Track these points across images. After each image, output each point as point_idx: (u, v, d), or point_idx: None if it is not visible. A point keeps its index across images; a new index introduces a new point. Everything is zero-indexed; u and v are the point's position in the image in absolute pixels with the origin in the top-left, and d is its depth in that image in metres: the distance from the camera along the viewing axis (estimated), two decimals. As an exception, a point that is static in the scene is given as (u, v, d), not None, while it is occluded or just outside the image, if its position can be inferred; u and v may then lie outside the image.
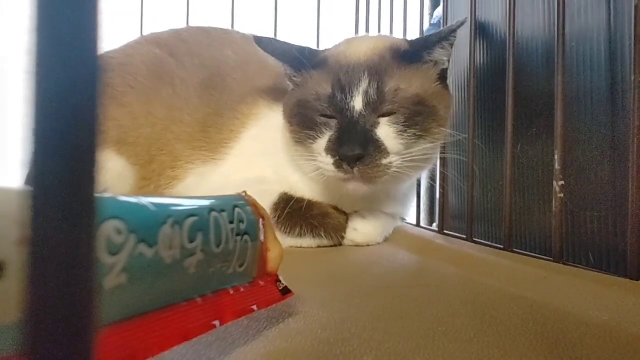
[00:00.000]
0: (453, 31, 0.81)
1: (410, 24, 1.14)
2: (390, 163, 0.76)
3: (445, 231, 0.91)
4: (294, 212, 0.84)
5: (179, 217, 0.31)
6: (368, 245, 0.86)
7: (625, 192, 0.57)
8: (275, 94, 0.94)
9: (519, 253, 0.69)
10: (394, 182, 0.82)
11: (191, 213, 0.32)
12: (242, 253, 0.37)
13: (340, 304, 0.48)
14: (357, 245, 0.86)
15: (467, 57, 0.85)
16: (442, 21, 0.99)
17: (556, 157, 0.62)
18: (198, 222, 0.33)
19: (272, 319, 0.42)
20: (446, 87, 0.85)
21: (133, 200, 0.29)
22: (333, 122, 0.79)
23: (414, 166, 0.79)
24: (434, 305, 0.48)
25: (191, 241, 0.32)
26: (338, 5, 1.44)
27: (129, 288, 0.26)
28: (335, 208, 0.88)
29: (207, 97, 0.97)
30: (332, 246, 0.85)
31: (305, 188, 0.87)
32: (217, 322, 0.34)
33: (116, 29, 1.32)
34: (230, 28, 1.28)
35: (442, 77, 0.84)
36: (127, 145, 0.96)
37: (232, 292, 0.37)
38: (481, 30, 0.89)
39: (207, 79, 0.99)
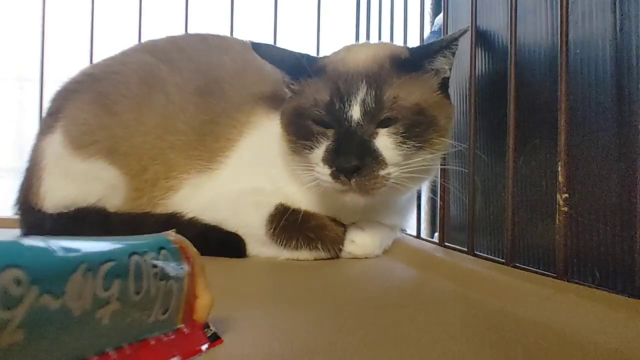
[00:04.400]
0: (455, 39, 0.79)
1: (411, 31, 1.12)
2: (389, 174, 0.74)
3: (446, 243, 0.88)
4: (290, 223, 0.82)
5: (93, 263, 0.28)
6: (366, 258, 0.84)
7: (632, 205, 0.54)
8: (273, 101, 0.93)
9: (521, 268, 0.66)
10: (392, 193, 0.80)
11: (108, 258, 0.30)
12: (165, 299, 0.34)
13: (331, 324, 0.46)
14: (355, 258, 0.84)
15: (467, 65, 0.83)
16: (442, 29, 0.97)
17: (559, 169, 0.60)
18: (115, 267, 0.30)
19: (253, 341, 0.40)
20: (447, 96, 0.83)
21: (40, 244, 0.26)
22: (330, 132, 0.77)
23: (413, 177, 0.76)
24: (430, 327, 0.46)
25: (106, 289, 0.29)
26: (338, 12, 1.43)
27: (26, 346, 0.24)
28: (333, 219, 0.86)
29: (204, 104, 0.95)
30: (329, 259, 0.83)
31: (302, 199, 0.85)
32: None
33: (115, 37, 1.31)
34: (229, 35, 1.27)
35: (443, 86, 0.82)
36: (120, 155, 0.94)
37: (152, 342, 0.34)
38: (482, 39, 0.87)
39: (203, 85, 0.97)
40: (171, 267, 0.35)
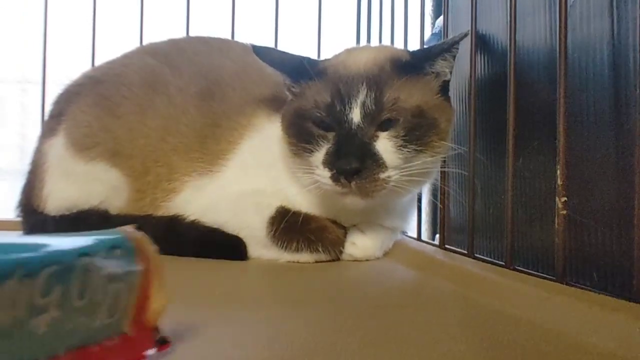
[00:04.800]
0: (455, 43, 0.79)
1: (412, 34, 1.12)
2: (389, 177, 0.74)
3: (447, 245, 0.88)
4: (290, 226, 0.82)
5: (33, 267, 0.25)
6: (367, 260, 0.84)
7: (630, 208, 0.55)
8: (274, 104, 0.93)
9: (520, 270, 0.66)
10: (392, 196, 0.80)
11: (52, 261, 0.26)
12: (114, 302, 0.32)
13: (331, 326, 0.47)
14: (355, 260, 0.84)
15: (467, 68, 0.83)
16: (442, 31, 0.97)
17: (558, 172, 0.60)
18: (59, 271, 0.27)
19: (253, 343, 0.40)
20: (448, 99, 0.83)
21: None
22: (331, 135, 0.77)
23: (413, 180, 0.77)
24: (430, 328, 0.47)
25: (44, 296, 0.26)
26: (339, 15, 1.43)
27: None
28: (334, 222, 0.86)
29: (205, 107, 0.96)
30: (330, 261, 0.83)
31: (303, 201, 0.86)
32: None
33: (116, 39, 1.32)
34: (230, 38, 1.27)
35: (444, 89, 0.82)
36: (122, 157, 0.94)
37: (95, 348, 0.31)
38: (482, 42, 0.88)
39: (204, 88, 0.97)
40: (123, 268, 0.33)
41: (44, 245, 0.27)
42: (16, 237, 0.25)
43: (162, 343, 0.37)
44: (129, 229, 0.36)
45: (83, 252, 0.29)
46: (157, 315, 0.36)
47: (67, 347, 0.29)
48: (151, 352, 0.36)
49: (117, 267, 0.32)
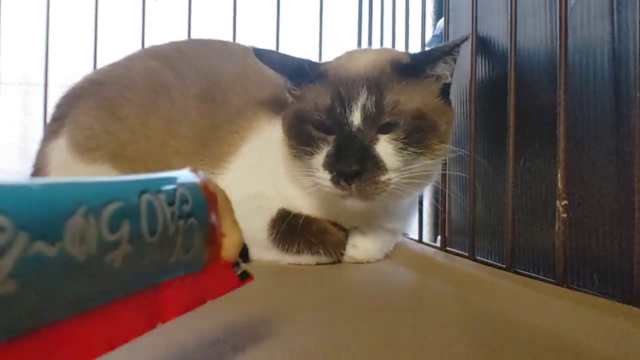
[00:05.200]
0: (456, 46, 0.79)
1: (413, 35, 1.13)
2: (389, 180, 0.74)
3: (448, 247, 0.89)
4: (291, 228, 0.82)
5: (94, 205, 0.25)
6: (368, 262, 0.84)
7: (630, 211, 0.55)
8: (275, 106, 0.93)
9: (520, 273, 0.66)
10: (392, 198, 0.80)
11: (112, 198, 0.26)
12: (187, 238, 0.31)
13: (332, 329, 0.47)
14: (356, 262, 0.84)
15: (468, 70, 0.83)
16: (443, 33, 0.97)
17: (559, 175, 0.60)
18: (122, 208, 0.26)
19: (254, 347, 0.40)
20: (448, 102, 0.83)
21: (25, 186, 0.23)
22: (331, 137, 0.77)
23: (414, 183, 0.77)
24: (431, 331, 0.47)
25: (113, 231, 0.26)
26: (340, 17, 1.44)
27: (21, 297, 0.21)
28: (335, 224, 0.86)
29: (206, 110, 0.96)
30: (331, 263, 0.84)
31: (304, 203, 0.86)
32: (157, 321, 0.29)
33: (118, 42, 1.32)
34: (231, 40, 1.27)
35: (444, 91, 0.82)
36: (124, 159, 0.95)
37: (176, 283, 0.31)
38: (482, 44, 0.88)
39: (206, 91, 0.97)
40: (191, 204, 0.32)
41: (102, 184, 0.27)
42: (72, 177, 0.25)
43: (245, 277, 0.37)
44: (189, 170, 0.35)
45: (144, 190, 0.29)
46: (234, 249, 0.36)
47: (148, 282, 0.29)
48: (236, 286, 0.36)
49: (184, 204, 0.32)
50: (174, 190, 0.31)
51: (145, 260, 0.28)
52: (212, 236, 0.34)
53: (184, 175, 0.34)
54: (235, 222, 0.36)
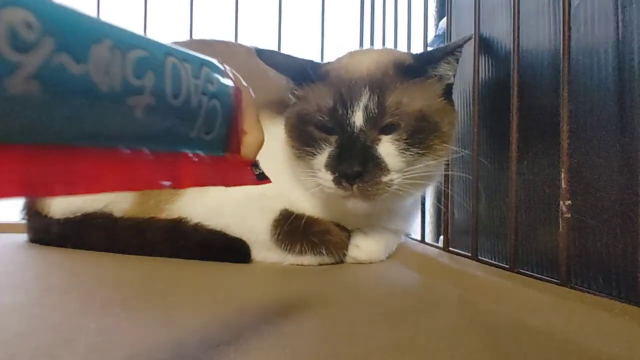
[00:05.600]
0: (459, 46, 0.79)
1: (415, 35, 1.12)
2: (391, 180, 0.74)
3: (450, 248, 0.88)
4: (294, 229, 0.82)
5: (120, 43, 0.25)
6: (370, 263, 0.84)
7: (634, 211, 0.54)
8: (277, 107, 0.93)
9: (524, 274, 0.66)
10: (394, 199, 0.80)
11: (138, 45, 0.26)
12: (209, 118, 0.31)
13: (334, 332, 0.47)
14: (359, 263, 0.84)
15: (470, 71, 0.83)
16: (446, 33, 0.97)
17: (562, 175, 0.60)
18: (148, 58, 0.26)
19: (257, 349, 0.40)
20: (451, 102, 0.83)
21: (59, 2, 0.23)
22: (333, 138, 0.77)
23: (416, 183, 0.77)
24: (434, 333, 0.47)
25: (137, 77, 0.25)
26: (342, 17, 1.43)
27: (43, 102, 0.21)
28: (337, 225, 0.86)
29: None
30: (333, 264, 0.83)
31: (306, 204, 0.86)
32: (168, 182, 0.29)
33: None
34: (233, 40, 1.27)
35: (447, 92, 0.82)
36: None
37: (193, 157, 0.31)
38: (485, 45, 0.87)
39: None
40: (215, 87, 0.32)
41: (131, 32, 0.27)
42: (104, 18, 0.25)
43: (262, 178, 0.37)
44: (217, 60, 0.34)
45: (169, 53, 0.28)
46: (254, 149, 0.36)
47: (166, 145, 0.29)
48: (252, 182, 0.35)
49: (209, 83, 0.31)
50: (200, 66, 0.31)
51: (167, 122, 0.28)
52: (234, 127, 0.34)
53: (211, 61, 0.33)
54: (258, 122, 0.36)
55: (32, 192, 0.22)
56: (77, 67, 0.22)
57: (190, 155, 0.31)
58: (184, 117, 0.29)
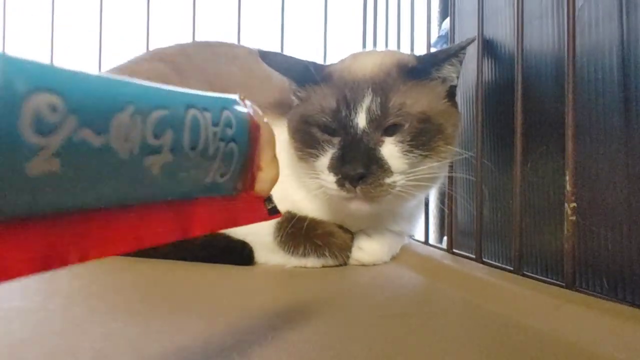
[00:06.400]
0: (462, 48, 0.79)
1: (418, 36, 1.12)
2: (394, 182, 0.74)
3: (454, 250, 0.88)
4: (297, 231, 0.82)
5: (143, 108, 0.25)
6: (374, 265, 0.84)
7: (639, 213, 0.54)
8: (280, 109, 0.93)
9: (529, 276, 0.66)
10: (398, 201, 0.80)
11: (160, 105, 0.27)
12: (225, 161, 0.32)
13: (337, 335, 0.46)
14: (362, 265, 0.84)
15: (474, 72, 0.83)
16: (449, 34, 0.97)
17: (567, 177, 0.59)
18: (168, 117, 0.27)
19: (260, 353, 0.40)
20: (454, 104, 0.83)
21: (81, 72, 0.23)
22: (336, 140, 0.77)
23: (419, 185, 0.76)
24: (438, 337, 0.46)
25: (157, 137, 0.26)
26: (345, 18, 1.43)
27: (63, 177, 0.22)
28: (341, 227, 0.86)
29: None
30: (337, 266, 0.83)
31: (309, 206, 0.85)
32: (184, 233, 0.30)
33: (122, 44, 1.32)
34: (236, 42, 1.27)
35: (451, 93, 0.82)
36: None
37: (207, 202, 0.32)
38: (489, 46, 0.87)
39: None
40: (234, 130, 0.32)
41: (153, 90, 0.28)
42: (126, 77, 0.25)
43: (274, 213, 0.37)
44: (238, 96, 0.35)
45: (192, 105, 0.29)
46: (269, 185, 0.36)
47: (181, 194, 0.30)
48: (264, 218, 0.36)
49: (228, 128, 0.32)
50: (220, 112, 0.31)
51: (183, 173, 0.29)
52: (249, 166, 0.34)
53: (232, 100, 0.33)
54: (275, 158, 0.36)
55: (48, 267, 0.23)
56: (98, 138, 0.23)
57: (204, 199, 0.31)
58: (200, 165, 0.30)
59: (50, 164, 0.21)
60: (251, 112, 0.34)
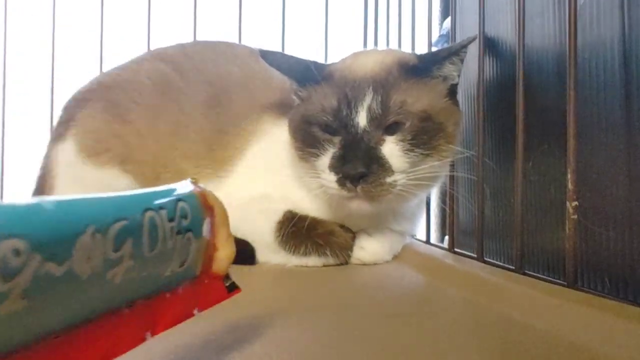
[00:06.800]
0: (463, 46, 0.79)
1: (419, 35, 1.12)
2: (395, 181, 0.74)
3: (456, 249, 0.88)
4: (298, 230, 0.82)
5: (102, 224, 0.26)
6: (375, 264, 0.84)
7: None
8: (280, 108, 0.93)
9: (530, 275, 0.66)
10: (399, 200, 0.79)
11: (118, 217, 0.27)
12: (182, 252, 0.32)
13: (338, 334, 0.46)
14: (364, 264, 0.84)
15: (475, 71, 0.83)
16: (450, 33, 0.96)
17: (569, 176, 0.59)
18: (127, 226, 0.27)
19: (260, 352, 0.40)
20: (456, 102, 0.82)
21: (40, 207, 0.24)
22: (337, 139, 0.77)
23: (420, 184, 0.76)
24: (440, 336, 0.46)
25: (117, 250, 0.27)
26: (346, 17, 1.43)
27: (29, 313, 0.22)
28: (342, 226, 0.86)
29: (212, 114, 0.96)
30: (338, 265, 0.83)
31: (310, 205, 0.85)
32: (147, 334, 0.30)
33: (123, 44, 1.32)
34: (237, 42, 1.27)
35: (452, 92, 0.81)
36: (133, 163, 0.95)
37: (169, 295, 0.32)
38: (490, 44, 0.87)
39: (212, 95, 0.97)
40: (189, 219, 0.33)
41: (110, 202, 0.28)
42: (82, 195, 0.26)
43: (233, 289, 0.38)
44: (190, 182, 0.36)
45: (147, 207, 0.30)
46: (226, 263, 0.37)
47: (142, 295, 0.30)
48: (224, 298, 0.37)
49: (183, 219, 0.33)
50: (175, 205, 0.32)
51: (143, 274, 0.29)
52: (206, 249, 0.35)
53: (185, 187, 0.35)
54: (230, 235, 0.37)
55: None
56: (61, 267, 0.23)
57: (167, 294, 0.32)
58: (160, 262, 0.31)
59: (16, 304, 0.21)
60: (204, 195, 0.35)
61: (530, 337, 0.45)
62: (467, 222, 0.97)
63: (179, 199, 0.33)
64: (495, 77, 0.87)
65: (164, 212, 0.31)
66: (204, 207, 0.35)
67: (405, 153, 0.74)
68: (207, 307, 0.35)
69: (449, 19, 1.04)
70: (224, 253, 0.36)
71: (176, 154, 0.94)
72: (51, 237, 0.23)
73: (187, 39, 1.27)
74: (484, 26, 0.82)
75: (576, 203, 0.58)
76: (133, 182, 0.94)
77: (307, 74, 0.83)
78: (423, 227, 1.02)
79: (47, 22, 1.36)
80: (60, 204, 0.25)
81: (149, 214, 0.29)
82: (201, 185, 0.36)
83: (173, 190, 0.34)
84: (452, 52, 0.79)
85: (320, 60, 1.15)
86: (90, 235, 0.25)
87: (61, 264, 0.23)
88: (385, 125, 0.75)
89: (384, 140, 0.75)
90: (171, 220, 0.31)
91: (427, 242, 1.00)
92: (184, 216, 0.33)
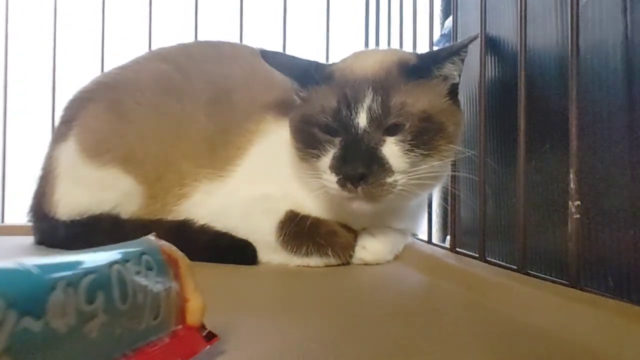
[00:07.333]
0: (464, 46, 0.79)
1: (420, 35, 1.12)
2: (395, 182, 0.74)
3: (457, 249, 0.88)
4: (300, 230, 0.82)
5: (72, 278, 0.28)
6: (377, 264, 0.84)
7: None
8: (282, 108, 0.93)
9: (533, 275, 0.65)
10: (400, 200, 0.79)
11: (87, 271, 0.29)
12: (154, 304, 0.34)
13: (341, 335, 0.46)
14: (365, 264, 0.84)
15: (477, 71, 0.82)
16: (451, 33, 0.96)
17: (571, 175, 0.59)
18: (97, 279, 0.29)
19: (262, 353, 0.40)
20: (456, 102, 0.82)
21: (10, 266, 0.26)
22: (337, 140, 0.77)
23: (421, 184, 0.76)
24: (442, 337, 0.46)
25: (90, 302, 0.28)
26: (347, 17, 1.43)
27: None
28: (344, 226, 0.86)
29: (214, 114, 0.96)
30: (340, 265, 0.83)
31: (312, 205, 0.85)
32: None
33: (124, 44, 1.32)
34: (238, 42, 1.27)
35: (453, 92, 0.81)
36: (135, 163, 0.95)
37: (147, 349, 0.33)
38: (491, 44, 0.87)
39: (213, 95, 0.97)
40: (155, 271, 0.35)
41: (76, 259, 0.30)
42: (51, 257, 0.29)
43: (210, 338, 0.38)
44: (152, 237, 0.38)
45: (114, 262, 0.32)
46: (198, 313, 0.38)
47: (122, 350, 0.31)
48: (203, 347, 0.37)
49: (150, 272, 0.34)
50: (139, 258, 0.34)
51: (118, 329, 0.31)
52: (177, 301, 0.37)
53: (147, 242, 0.37)
54: (197, 286, 0.39)
55: None
56: (38, 323, 0.25)
57: (145, 348, 0.33)
58: (133, 315, 0.32)
59: None
60: (167, 248, 0.37)
61: (533, 337, 0.45)
62: (469, 222, 0.97)
63: (143, 253, 0.35)
64: (497, 77, 0.87)
65: (129, 265, 0.33)
66: (168, 259, 0.37)
67: (406, 153, 0.74)
68: (188, 357, 0.36)
69: (450, 19, 1.04)
70: (196, 304, 0.38)
71: (178, 154, 0.94)
72: (25, 292, 0.25)
73: (189, 38, 1.27)
74: (485, 26, 0.81)
75: (579, 203, 0.58)
76: (135, 183, 0.94)
77: (307, 75, 0.83)
78: (425, 226, 1.02)
79: (49, 22, 1.36)
80: (32, 262, 0.27)
81: (116, 267, 0.31)
82: (162, 241, 0.38)
83: (136, 244, 0.36)
84: (453, 52, 0.79)
85: (322, 60, 1.15)
86: (62, 290, 0.27)
87: (38, 319, 0.25)
88: (386, 126, 0.75)
89: (384, 141, 0.75)
90: (138, 273, 0.33)
91: (429, 241, 1.00)
92: (150, 268, 0.35)
